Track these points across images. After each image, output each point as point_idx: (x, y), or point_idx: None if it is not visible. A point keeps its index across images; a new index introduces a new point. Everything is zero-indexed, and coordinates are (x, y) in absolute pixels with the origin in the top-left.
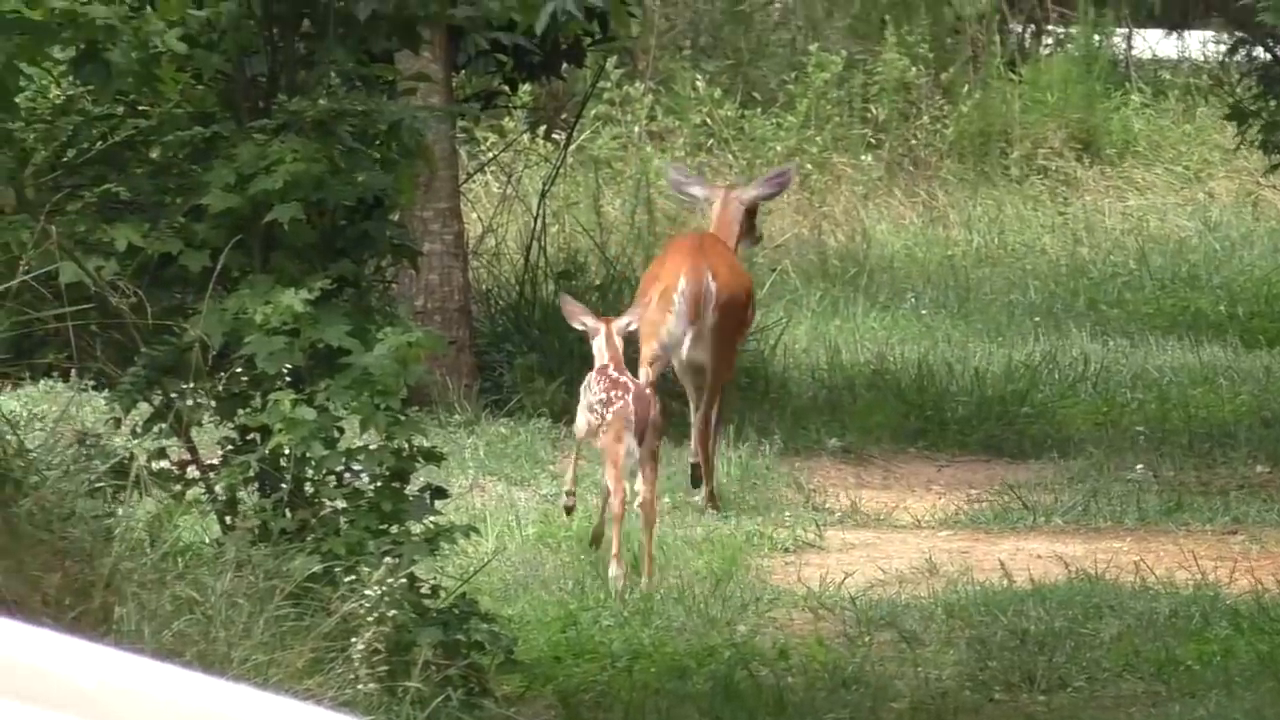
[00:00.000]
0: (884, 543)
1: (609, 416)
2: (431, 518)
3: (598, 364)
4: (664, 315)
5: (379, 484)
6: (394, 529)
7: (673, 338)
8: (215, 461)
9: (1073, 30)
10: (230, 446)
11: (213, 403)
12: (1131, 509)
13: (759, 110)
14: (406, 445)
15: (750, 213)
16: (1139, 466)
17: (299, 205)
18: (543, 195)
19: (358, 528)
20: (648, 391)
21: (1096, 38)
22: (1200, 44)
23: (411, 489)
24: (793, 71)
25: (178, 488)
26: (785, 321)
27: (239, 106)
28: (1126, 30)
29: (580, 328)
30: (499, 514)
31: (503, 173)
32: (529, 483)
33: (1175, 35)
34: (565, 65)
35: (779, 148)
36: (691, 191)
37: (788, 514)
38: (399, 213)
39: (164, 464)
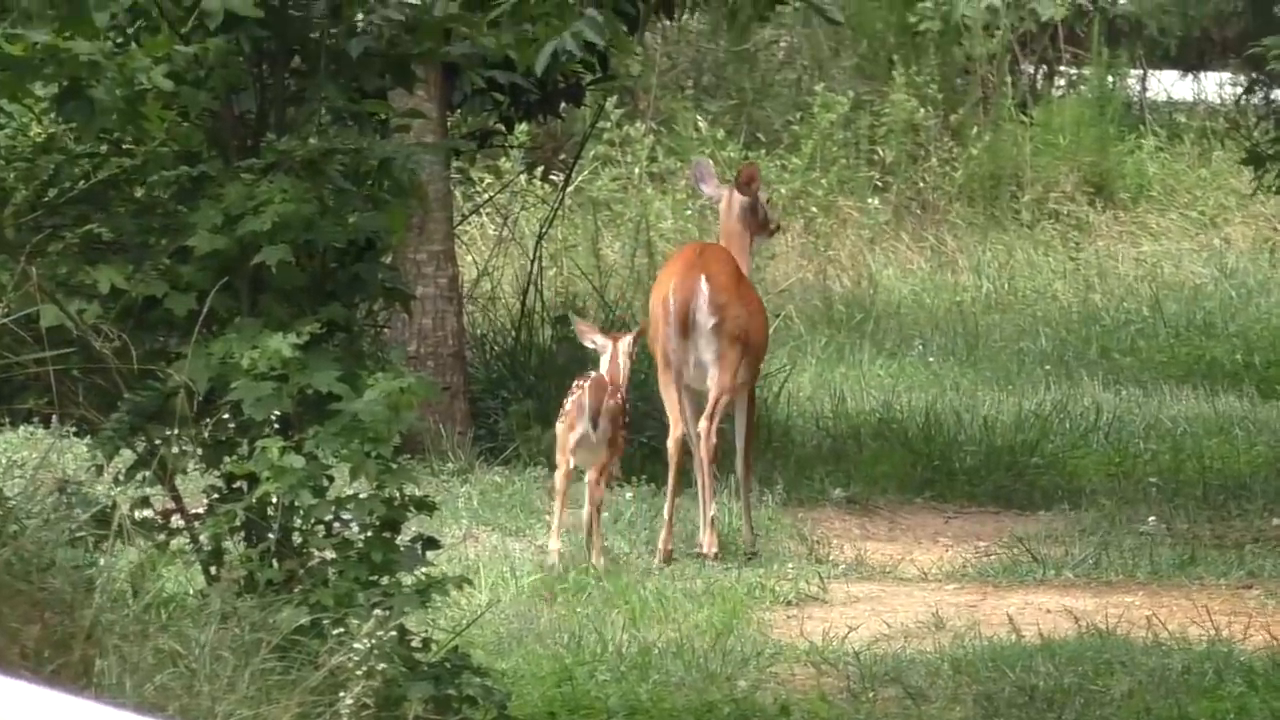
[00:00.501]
0: (889, 596)
1: (566, 407)
2: (423, 569)
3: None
4: (660, 323)
5: (369, 534)
6: (384, 580)
7: (669, 344)
8: (200, 510)
9: (1085, 72)
10: (216, 495)
11: (198, 450)
12: (1144, 562)
13: (763, 151)
14: (398, 494)
15: (753, 209)
16: (1152, 519)
17: (288, 247)
18: (540, 237)
19: (347, 579)
20: (606, 379)
21: (1110, 79)
22: (1216, 86)
23: (403, 539)
24: (798, 112)
25: (161, 537)
26: (789, 368)
27: (226, 145)
28: (1141, 72)
29: (591, 345)
30: (493, 565)
31: (499, 214)
32: (524, 533)
33: (1191, 77)
34: (564, 104)
35: (784, 190)
36: (703, 189)
37: (790, 566)
38: (391, 255)
39: (147, 513)
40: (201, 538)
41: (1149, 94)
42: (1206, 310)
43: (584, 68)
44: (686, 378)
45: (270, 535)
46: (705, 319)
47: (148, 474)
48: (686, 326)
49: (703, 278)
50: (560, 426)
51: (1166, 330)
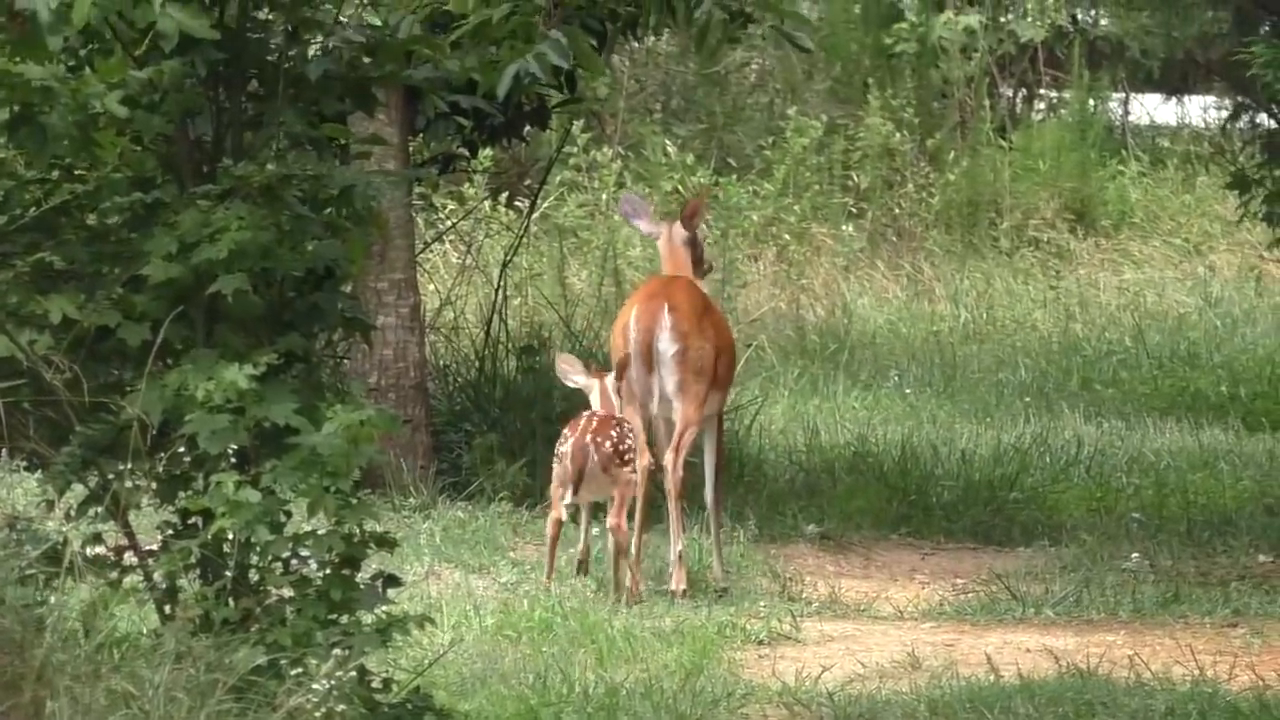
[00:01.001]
0: (864, 635)
1: (563, 448)
2: (384, 607)
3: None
4: (622, 354)
5: (328, 571)
6: (344, 619)
7: (632, 375)
8: (154, 547)
9: (1066, 95)
10: (170, 531)
11: (152, 484)
12: (1126, 600)
13: (734, 177)
14: (357, 530)
15: (692, 243)
16: (1134, 555)
17: (244, 275)
18: (504, 266)
19: (305, 617)
20: (587, 439)
21: (1091, 103)
22: (1200, 110)
23: (363, 577)
24: (770, 137)
25: (114, 575)
26: (761, 400)
27: (181, 171)
28: (1123, 95)
29: (573, 385)
30: (456, 603)
31: (462, 242)
32: (488, 570)
33: (1174, 100)
34: (528, 128)
35: (755, 217)
36: (638, 225)
37: (762, 604)
38: (351, 284)
39: (99, 550)
40: (155, 575)
41: (1131, 118)
42: (1191, 340)
43: (550, 90)
44: (651, 410)
45: (226, 573)
46: (667, 348)
47: (100, 509)
48: (649, 357)
49: (665, 306)
50: (556, 469)
51: (1150, 361)
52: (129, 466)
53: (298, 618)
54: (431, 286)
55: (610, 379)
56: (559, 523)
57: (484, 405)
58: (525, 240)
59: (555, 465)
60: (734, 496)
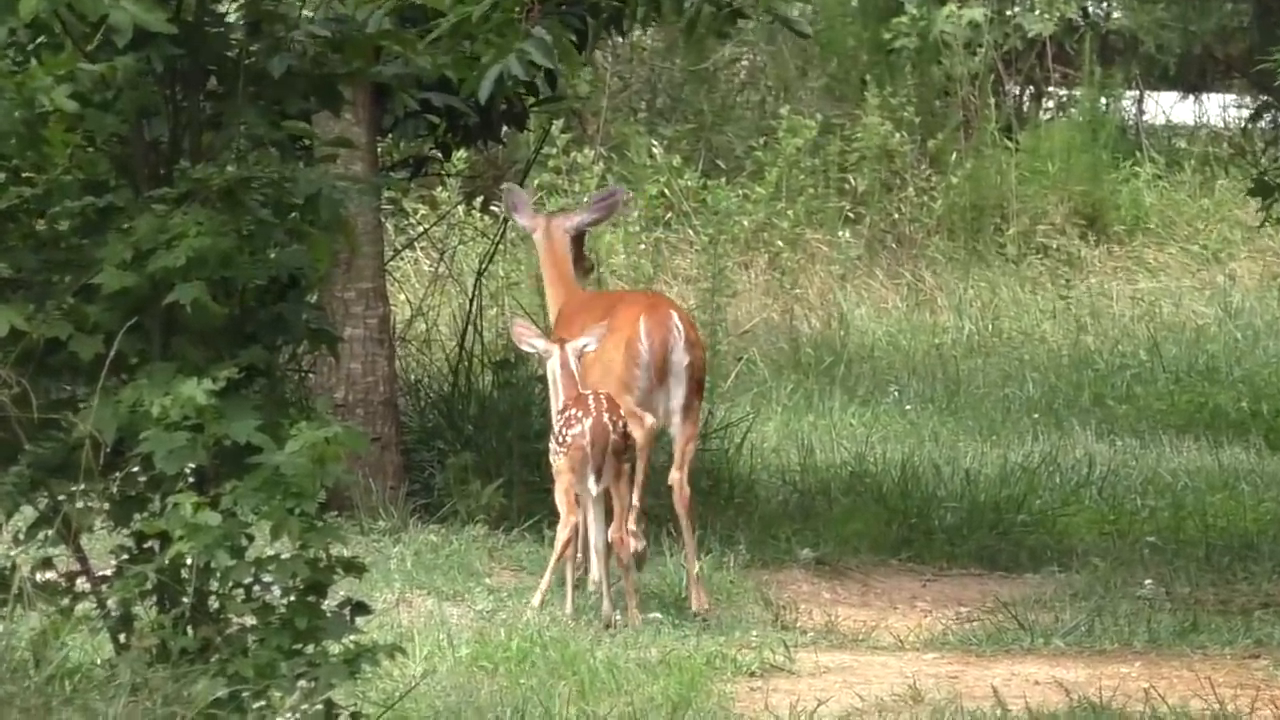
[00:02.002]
0: (862, 666)
1: (566, 438)
2: (352, 636)
3: (556, 393)
4: (627, 368)
5: (292, 598)
6: (309, 649)
7: (636, 388)
8: (108, 573)
9: (1077, 93)
10: (125, 556)
11: (105, 506)
12: (1141, 629)
13: (723, 180)
14: (324, 555)
15: (577, 241)
16: (1149, 581)
17: (203, 284)
18: (479, 274)
19: (268, 647)
20: (606, 419)
21: (1103, 101)
22: (1220, 109)
23: (329, 604)
24: (761, 137)
25: (65, 602)
26: (752, 417)
27: (136, 173)
28: (1137, 93)
29: (530, 350)
30: (428, 632)
31: (434, 249)
32: (462, 597)
33: (1192, 99)
34: (505, 128)
35: (746, 221)
36: (517, 219)
37: (754, 633)
38: (317, 293)
39: (50, 575)
40: (109, 602)
41: (1146, 117)
42: (1210, 354)
43: (528, 89)
44: (655, 423)
45: (184, 599)
46: (681, 359)
47: (50, 533)
48: (664, 369)
49: (673, 316)
50: (560, 462)
51: (1166, 375)
52: (81, 487)
53: (260, 647)
54: (402, 296)
55: (571, 346)
56: (577, 526)
57: (457, 422)
58: (501, 247)
59: (558, 455)
60: (724, 519)
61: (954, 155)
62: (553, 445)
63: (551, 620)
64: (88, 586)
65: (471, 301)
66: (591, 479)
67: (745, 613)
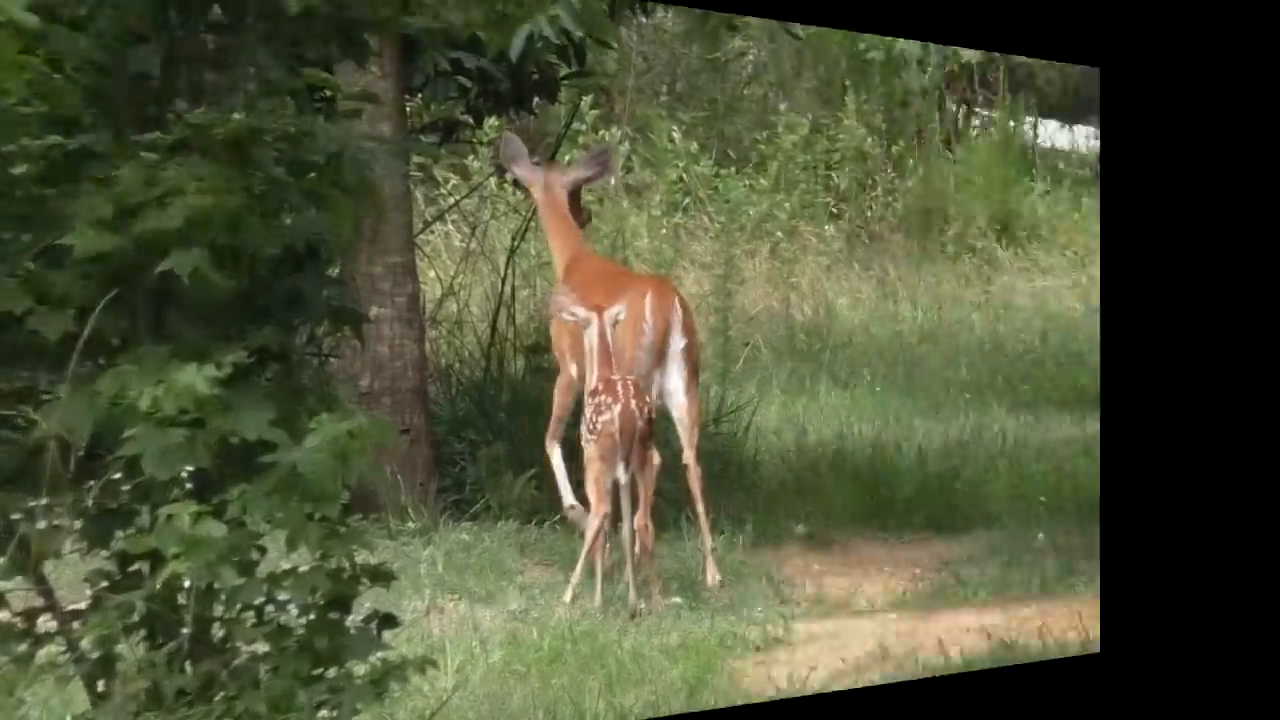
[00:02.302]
0: (844, 631)
1: (597, 425)
2: (378, 654)
3: (591, 365)
4: (626, 348)
5: (311, 616)
6: (331, 673)
7: (638, 368)
8: (81, 606)
9: (994, 114)
10: (104, 584)
11: (77, 524)
12: (1035, 577)
13: (733, 169)
14: (347, 564)
15: (574, 196)
16: (1040, 535)
17: (205, 251)
18: (511, 252)
19: (284, 675)
20: (634, 405)
21: (1012, 124)
22: (1084, 138)
23: (354, 619)
24: (764, 130)
25: (23, 648)
26: (757, 401)
27: (118, 112)
28: (1033, 119)
29: (570, 319)
30: (460, 640)
31: (466, 223)
32: (495, 598)
33: (1066, 128)
34: (536, 99)
35: (752, 211)
36: (515, 170)
37: (759, 609)
38: (339, 266)
39: (3, 615)
40: (83, 643)
41: (1040, 140)
42: (1079, 341)
43: (559, 55)
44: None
45: (182, 630)
46: (677, 342)
47: (4, 560)
48: (663, 351)
49: (676, 300)
50: (591, 450)
51: (1051, 360)
52: (44, 502)
53: (274, 677)
54: (432, 273)
55: (610, 313)
56: (608, 516)
57: (489, 411)
58: (533, 224)
59: (590, 442)
60: (733, 501)
61: (910, 161)
62: (584, 432)
63: (582, 614)
64: (54, 625)
65: (503, 281)
66: (621, 466)
67: (752, 590)
